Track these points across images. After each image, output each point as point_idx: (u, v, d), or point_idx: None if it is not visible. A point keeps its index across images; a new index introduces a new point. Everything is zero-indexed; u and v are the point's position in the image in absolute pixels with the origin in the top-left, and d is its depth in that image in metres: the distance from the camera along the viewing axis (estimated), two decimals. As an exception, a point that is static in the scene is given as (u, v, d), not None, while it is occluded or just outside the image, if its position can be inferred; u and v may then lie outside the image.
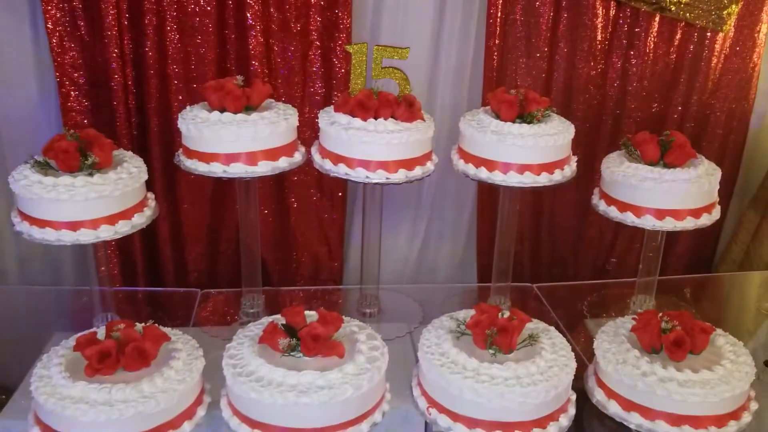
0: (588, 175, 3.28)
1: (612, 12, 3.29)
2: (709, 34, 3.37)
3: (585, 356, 2.45)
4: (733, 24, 3.38)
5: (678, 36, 3.38)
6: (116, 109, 3.05)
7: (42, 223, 2.14)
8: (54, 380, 1.92)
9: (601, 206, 2.53)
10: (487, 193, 3.38)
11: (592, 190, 3.08)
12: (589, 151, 3.39)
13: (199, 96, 2.71)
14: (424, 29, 3.22)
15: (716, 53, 3.43)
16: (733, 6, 3.32)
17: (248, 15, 3.01)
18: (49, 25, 2.93)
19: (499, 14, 3.17)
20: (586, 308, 2.74)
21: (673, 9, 3.27)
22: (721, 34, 3.39)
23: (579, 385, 2.20)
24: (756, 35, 3.45)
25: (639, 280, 2.69)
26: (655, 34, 3.34)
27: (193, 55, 3.07)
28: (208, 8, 3.00)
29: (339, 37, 3.10)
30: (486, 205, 3.44)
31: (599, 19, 3.27)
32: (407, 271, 3.59)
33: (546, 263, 3.65)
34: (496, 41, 3.21)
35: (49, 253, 3.30)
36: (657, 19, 3.31)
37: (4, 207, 3.24)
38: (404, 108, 2.30)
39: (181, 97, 3.10)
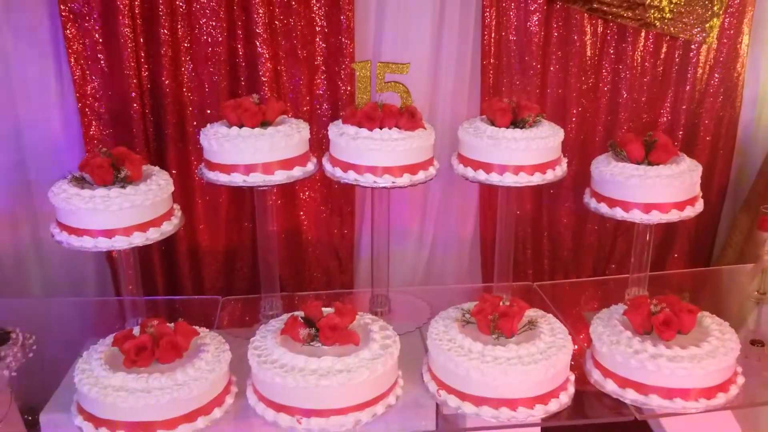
0: (585, 185, 3.51)
1: (600, 29, 3.56)
2: (693, 46, 3.64)
3: (584, 346, 2.67)
4: (716, 36, 3.64)
5: (664, 49, 3.65)
6: (135, 135, 3.31)
7: (80, 232, 2.39)
8: (95, 372, 2.15)
9: (593, 204, 2.77)
10: (489, 203, 3.63)
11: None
12: (585, 162, 3.61)
13: (214, 121, 2.96)
14: (422, 53, 3.48)
15: (701, 64, 3.69)
16: (715, 19, 3.59)
17: (257, 44, 3.28)
18: (72, 60, 3.20)
19: (492, 34, 3.44)
20: (584, 302, 2.96)
21: (657, 24, 3.54)
22: (705, 46, 3.65)
23: (579, 372, 2.42)
24: (738, 46, 3.72)
25: (631, 276, 2.92)
26: (642, 48, 3.61)
27: (206, 83, 3.34)
28: (220, 39, 3.27)
29: (343, 61, 3.37)
30: (488, 215, 3.68)
31: (588, 36, 3.54)
32: (416, 282, 3.82)
33: (548, 270, 3.88)
34: (491, 60, 3.47)
35: (73, 276, 3.55)
36: (643, 34, 3.58)
37: (28, 233, 3.49)
38: (407, 118, 2.56)
39: (195, 123, 3.35)
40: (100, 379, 2.13)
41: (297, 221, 3.61)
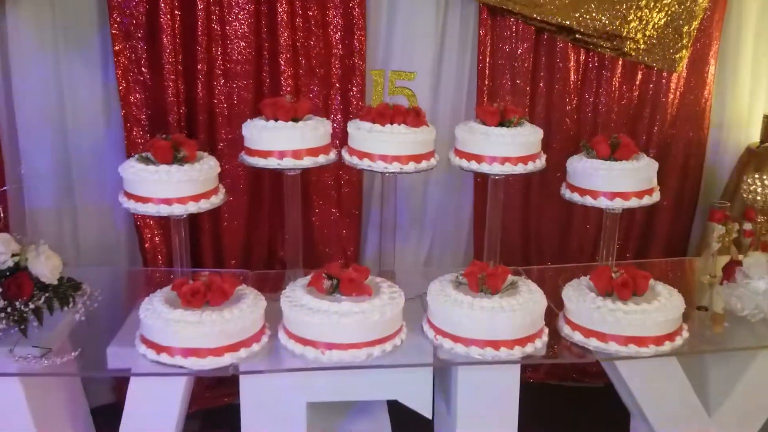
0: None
1: (582, 57, 4.30)
2: (665, 74, 4.37)
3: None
4: (685, 66, 4.38)
5: (639, 76, 4.38)
6: (172, 140, 4.01)
7: (144, 200, 3.08)
8: (158, 309, 2.81)
9: (567, 194, 3.46)
10: (481, 208, 4.32)
11: (573, 211, 4.08)
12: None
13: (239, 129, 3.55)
14: (425, 77, 4.16)
15: (672, 90, 4.42)
16: (684, 51, 4.34)
17: (281, 62, 3.97)
18: (119, 73, 3.87)
19: (487, 60, 4.18)
20: (562, 283, 3.64)
21: (633, 54, 4.28)
22: (675, 75, 4.39)
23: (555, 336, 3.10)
24: (705, 75, 4.46)
25: (600, 264, 3.58)
26: (619, 75, 4.35)
27: (235, 96, 4.03)
28: (249, 58, 3.97)
29: (355, 80, 4.08)
30: (480, 222, 4.36)
31: (571, 63, 4.28)
32: (415, 277, 4.51)
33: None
34: (486, 82, 4.21)
35: (107, 260, 4.21)
36: (620, 62, 4.32)
37: (69, 227, 4.15)
38: (413, 116, 3.28)
39: (223, 131, 4.05)
40: (162, 314, 2.78)
41: (309, 222, 4.27)
